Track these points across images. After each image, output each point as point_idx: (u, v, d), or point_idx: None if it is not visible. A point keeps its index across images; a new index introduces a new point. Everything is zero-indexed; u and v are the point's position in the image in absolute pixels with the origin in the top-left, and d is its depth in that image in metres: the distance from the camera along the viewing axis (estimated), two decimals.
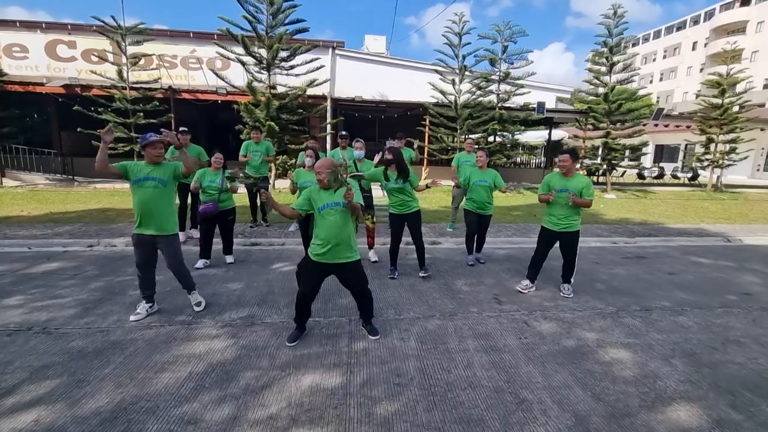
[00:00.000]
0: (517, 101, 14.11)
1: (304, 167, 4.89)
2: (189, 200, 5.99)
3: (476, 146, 7.24)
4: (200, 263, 4.94)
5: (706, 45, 41.17)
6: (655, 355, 3.08)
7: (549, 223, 4.25)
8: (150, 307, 3.58)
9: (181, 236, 6.39)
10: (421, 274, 4.74)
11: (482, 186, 5.09)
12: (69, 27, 13.57)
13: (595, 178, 17.13)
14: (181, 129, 6.12)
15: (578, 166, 4.38)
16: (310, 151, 4.67)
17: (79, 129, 11.60)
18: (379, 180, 4.50)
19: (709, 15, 41.68)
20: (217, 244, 5.13)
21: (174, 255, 3.53)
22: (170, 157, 6.45)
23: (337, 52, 14.85)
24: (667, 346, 3.22)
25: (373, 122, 17.14)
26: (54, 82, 12.50)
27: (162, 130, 3.49)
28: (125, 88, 11.83)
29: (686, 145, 25.12)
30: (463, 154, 6.92)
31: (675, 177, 19.67)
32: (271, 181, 7.23)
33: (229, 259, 5.15)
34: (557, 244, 4.30)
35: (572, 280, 4.37)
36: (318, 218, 3.02)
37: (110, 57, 12.08)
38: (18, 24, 13.45)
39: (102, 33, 11.72)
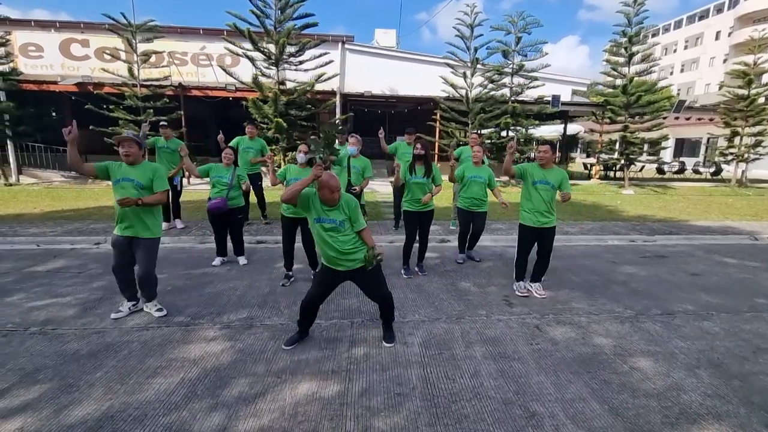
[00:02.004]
0: (530, 94, 13.70)
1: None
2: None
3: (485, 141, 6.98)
4: (217, 261, 4.92)
5: (730, 34, 39.53)
6: (679, 364, 2.86)
7: (527, 219, 3.99)
8: (134, 305, 3.49)
9: (164, 225, 6.33)
10: (416, 269, 4.71)
11: (476, 182, 4.90)
12: (82, 26, 13.72)
13: (612, 173, 16.65)
14: (161, 123, 5.97)
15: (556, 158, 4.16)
16: (304, 146, 4.32)
17: (91, 127, 11.72)
18: (404, 174, 4.44)
19: (734, 3, 39.97)
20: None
21: (146, 259, 3.31)
22: (157, 146, 6.40)
23: (346, 46, 14.69)
24: (692, 355, 2.98)
25: (382, 117, 16.92)
26: (67, 80, 12.65)
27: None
28: (136, 86, 11.90)
29: (709, 138, 24.11)
30: (467, 148, 6.69)
31: (697, 172, 18.94)
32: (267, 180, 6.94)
33: (242, 260, 4.97)
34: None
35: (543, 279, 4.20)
36: (313, 227, 2.86)
37: (122, 55, 12.16)
38: (33, 23, 13.66)
39: (113, 31, 11.80)
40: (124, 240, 3.26)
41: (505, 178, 12.37)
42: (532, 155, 20.84)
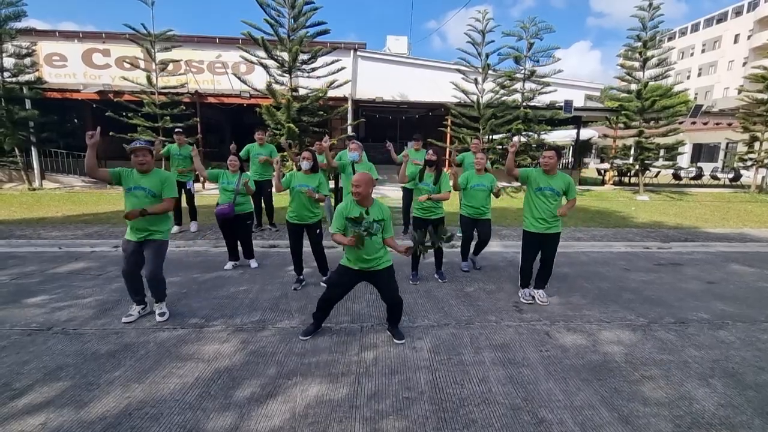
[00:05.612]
0: (542, 100, 13.65)
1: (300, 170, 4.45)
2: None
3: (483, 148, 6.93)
4: (229, 265, 5.00)
5: (749, 37, 38.73)
6: (692, 373, 2.82)
7: (530, 225, 3.98)
8: (142, 308, 3.59)
9: (175, 229, 6.52)
10: (435, 276, 4.72)
11: (480, 190, 4.85)
12: (103, 36, 14.19)
13: (626, 179, 16.39)
14: (176, 129, 6.21)
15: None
16: (307, 153, 4.34)
17: (111, 133, 12.08)
18: (414, 178, 4.51)
19: (754, 5, 39.20)
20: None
21: (154, 260, 3.38)
22: (171, 153, 6.58)
23: (358, 53, 14.85)
24: (706, 364, 2.94)
25: (394, 123, 17.04)
26: (89, 88, 13.10)
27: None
28: (154, 93, 12.24)
29: (727, 143, 23.66)
30: (470, 154, 6.66)
31: (715, 178, 18.53)
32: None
33: (253, 263, 5.07)
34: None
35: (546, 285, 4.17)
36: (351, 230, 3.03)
37: (141, 64, 12.53)
38: (57, 34, 14.18)
39: (133, 41, 12.18)
40: (136, 244, 3.36)
41: (506, 182, 12.29)
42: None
